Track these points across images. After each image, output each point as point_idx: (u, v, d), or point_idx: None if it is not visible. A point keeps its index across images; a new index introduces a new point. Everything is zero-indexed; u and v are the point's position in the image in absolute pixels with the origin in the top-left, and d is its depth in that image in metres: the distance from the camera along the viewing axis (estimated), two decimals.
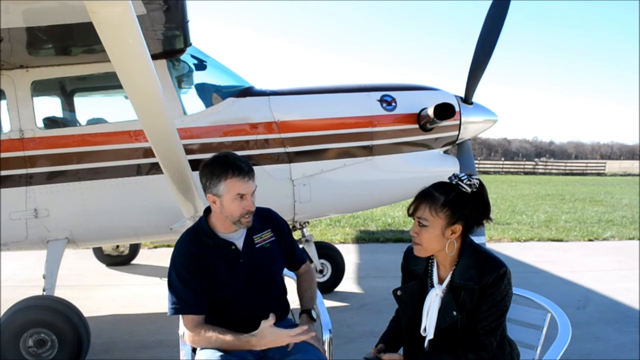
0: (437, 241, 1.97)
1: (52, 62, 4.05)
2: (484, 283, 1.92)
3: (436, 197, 1.97)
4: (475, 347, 1.94)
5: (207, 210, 2.35)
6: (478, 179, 1.99)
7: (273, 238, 2.40)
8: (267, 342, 2.07)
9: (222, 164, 2.20)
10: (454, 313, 1.95)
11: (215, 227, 2.30)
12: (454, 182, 1.98)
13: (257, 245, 2.34)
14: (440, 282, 2.05)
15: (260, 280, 2.32)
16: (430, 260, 2.11)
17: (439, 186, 2.01)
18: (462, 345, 1.96)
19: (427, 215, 1.96)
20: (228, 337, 2.10)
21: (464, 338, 1.97)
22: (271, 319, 2.09)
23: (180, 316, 2.28)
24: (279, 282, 2.46)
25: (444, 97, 4.65)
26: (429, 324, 2.01)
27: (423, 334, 2.03)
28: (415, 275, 2.13)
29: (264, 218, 2.41)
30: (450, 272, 2.02)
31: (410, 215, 2.03)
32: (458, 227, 1.97)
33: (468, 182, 1.96)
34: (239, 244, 2.31)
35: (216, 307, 2.26)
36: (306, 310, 2.36)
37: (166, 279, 2.27)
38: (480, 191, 1.99)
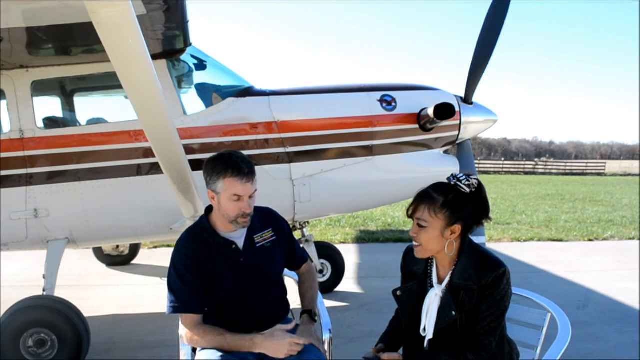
0: (437, 242, 1.98)
1: (52, 62, 4.05)
2: (483, 283, 1.92)
3: (435, 198, 1.97)
4: (474, 347, 1.94)
5: (209, 209, 2.34)
6: (477, 179, 1.99)
7: (274, 238, 2.39)
8: (271, 346, 2.07)
9: (224, 162, 2.20)
10: (453, 313, 1.95)
11: (216, 226, 2.30)
12: (452, 183, 1.98)
13: (258, 245, 2.34)
14: (440, 282, 2.05)
15: (260, 280, 2.32)
16: (430, 261, 2.11)
17: (437, 187, 2.01)
18: (462, 345, 1.96)
19: (427, 216, 1.96)
20: (228, 337, 2.11)
21: (464, 338, 1.97)
22: (289, 326, 2.15)
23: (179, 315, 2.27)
24: (279, 282, 2.46)
25: (444, 97, 4.64)
26: (428, 323, 2.02)
27: (422, 334, 2.03)
28: (415, 275, 2.13)
29: (265, 217, 2.41)
30: (450, 272, 2.02)
31: (410, 216, 2.03)
32: (457, 228, 1.97)
33: (467, 183, 1.96)
34: (240, 243, 2.31)
35: (216, 306, 2.26)
36: (307, 311, 2.36)
37: (166, 279, 2.27)
38: (479, 191, 1.99)
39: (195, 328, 2.17)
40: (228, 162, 2.19)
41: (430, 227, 1.96)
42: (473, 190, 1.97)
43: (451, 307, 1.96)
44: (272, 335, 2.11)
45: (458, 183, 1.96)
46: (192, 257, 2.22)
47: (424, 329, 2.03)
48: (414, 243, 2.02)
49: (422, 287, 2.09)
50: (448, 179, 2.00)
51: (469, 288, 1.94)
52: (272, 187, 4.29)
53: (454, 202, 1.95)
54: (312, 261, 3.48)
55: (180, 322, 2.27)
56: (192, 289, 2.19)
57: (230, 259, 2.27)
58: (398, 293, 2.13)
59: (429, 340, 2.02)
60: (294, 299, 2.49)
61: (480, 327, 1.93)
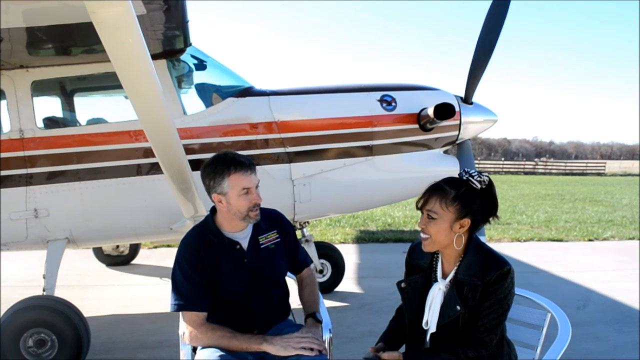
0: (446, 234, 1.99)
1: (52, 62, 4.06)
2: (488, 279, 1.93)
3: (447, 191, 1.99)
4: (475, 344, 1.94)
5: (213, 209, 2.35)
6: (488, 176, 2.03)
7: (278, 239, 2.39)
8: (281, 340, 2.09)
9: (222, 161, 2.22)
10: (458, 308, 1.95)
11: (221, 226, 2.30)
12: (464, 178, 2.01)
13: (262, 246, 2.34)
14: (444, 276, 2.06)
15: (263, 281, 2.31)
16: (435, 255, 2.12)
17: (449, 181, 2.04)
18: (462, 341, 1.96)
19: (437, 208, 1.98)
20: (234, 337, 2.11)
21: (465, 334, 1.97)
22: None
23: (180, 314, 2.27)
24: (281, 283, 2.45)
25: (444, 97, 4.65)
26: (431, 317, 2.03)
27: (425, 327, 2.04)
28: (420, 269, 2.14)
29: (270, 219, 2.42)
30: (455, 267, 2.03)
31: (420, 208, 2.04)
32: (466, 222, 1.99)
33: (478, 179, 1.99)
34: (244, 243, 2.31)
35: (218, 306, 2.26)
36: (311, 314, 2.36)
37: (166, 279, 2.27)
38: (490, 188, 2.02)
39: (201, 327, 2.16)
40: (226, 160, 2.22)
41: (440, 219, 1.98)
42: (484, 186, 2.00)
43: (456, 302, 1.97)
44: (275, 339, 2.11)
45: (470, 178, 1.99)
46: (197, 256, 2.23)
47: (426, 322, 2.04)
48: (423, 235, 2.03)
49: (427, 281, 2.10)
50: (460, 174, 2.04)
51: (473, 284, 1.95)
52: (272, 187, 4.28)
53: (465, 196, 1.97)
54: (311, 262, 3.47)
55: (180, 322, 2.27)
56: (196, 286, 2.19)
57: (234, 259, 2.27)
58: (402, 285, 2.14)
59: (431, 335, 2.03)
60: (294, 299, 2.48)
61: (482, 324, 1.94)
